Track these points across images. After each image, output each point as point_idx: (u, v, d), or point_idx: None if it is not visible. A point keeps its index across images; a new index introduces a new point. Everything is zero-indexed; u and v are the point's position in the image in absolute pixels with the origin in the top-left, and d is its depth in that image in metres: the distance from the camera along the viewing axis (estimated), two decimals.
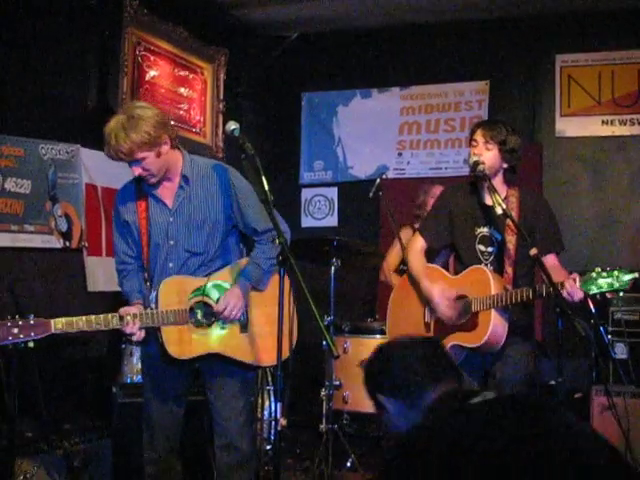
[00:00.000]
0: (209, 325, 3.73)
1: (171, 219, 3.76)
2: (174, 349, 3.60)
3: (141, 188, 3.78)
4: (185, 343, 3.64)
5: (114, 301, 5.46)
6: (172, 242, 3.74)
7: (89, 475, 4.46)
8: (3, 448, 4.06)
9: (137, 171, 3.63)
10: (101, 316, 3.49)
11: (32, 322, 3.38)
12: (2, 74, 4.96)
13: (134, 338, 3.56)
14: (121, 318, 3.53)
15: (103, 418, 4.96)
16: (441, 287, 4.06)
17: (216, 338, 3.74)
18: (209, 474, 4.16)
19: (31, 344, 3.45)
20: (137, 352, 4.93)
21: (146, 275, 3.75)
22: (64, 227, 5.40)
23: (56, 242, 5.35)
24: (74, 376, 5.32)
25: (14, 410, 4.47)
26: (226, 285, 3.77)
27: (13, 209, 4.99)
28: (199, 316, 3.72)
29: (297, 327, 3.84)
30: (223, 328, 3.76)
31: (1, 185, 4.94)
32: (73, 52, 5.53)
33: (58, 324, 3.43)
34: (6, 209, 4.95)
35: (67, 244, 5.45)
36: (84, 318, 3.46)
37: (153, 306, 3.63)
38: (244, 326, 3.81)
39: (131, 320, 3.53)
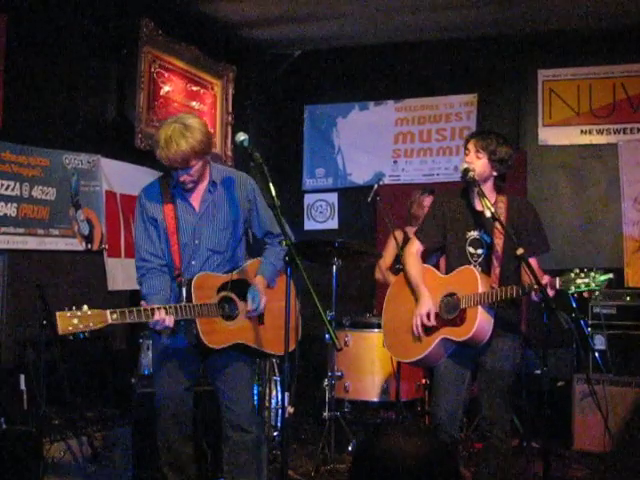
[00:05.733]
0: (234, 318, 3.74)
1: (198, 221, 3.75)
2: (209, 339, 3.58)
3: (167, 189, 3.75)
4: (217, 333, 3.64)
5: (132, 299, 5.50)
6: (197, 242, 3.74)
7: (111, 459, 4.45)
8: (33, 434, 4.06)
9: (184, 178, 3.63)
10: (141, 309, 3.42)
11: (89, 312, 3.23)
12: (30, 91, 4.99)
13: (168, 328, 3.49)
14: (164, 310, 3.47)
15: (123, 407, 4.98)
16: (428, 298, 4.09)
17: (241, 329, 3.75)
18: (220, 460, 4.15)
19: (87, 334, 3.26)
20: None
21: (176, 272, 3.69)
22: (86, 231, 5.42)
23: (79, 245, 5.39)
24: (97, 368, 5.32)
25: (43, 399, 4.53)
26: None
27: (40, 214, 5.02)
28: (226, 309, 3.73)
29: (302, 322, 3.89)
30: (246, 320, 3.77)
31: (29, 192, 4.96)
32: (94, 70, 5.56)
33: (113, 315, 3.30)
34: (33, 214, 4.98)
35: (89, 246, 5.48)
36: (134, 310, 3.38)
37: (185, 300, 3.59)
38: (261, 318, 3.84)
39: (172, 312, 3.47)
